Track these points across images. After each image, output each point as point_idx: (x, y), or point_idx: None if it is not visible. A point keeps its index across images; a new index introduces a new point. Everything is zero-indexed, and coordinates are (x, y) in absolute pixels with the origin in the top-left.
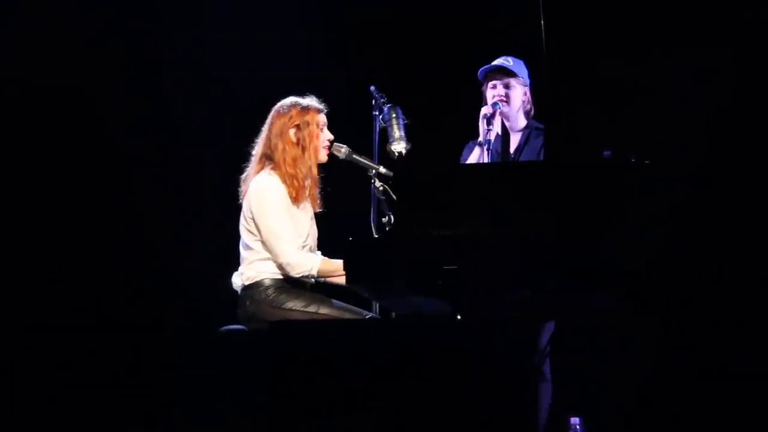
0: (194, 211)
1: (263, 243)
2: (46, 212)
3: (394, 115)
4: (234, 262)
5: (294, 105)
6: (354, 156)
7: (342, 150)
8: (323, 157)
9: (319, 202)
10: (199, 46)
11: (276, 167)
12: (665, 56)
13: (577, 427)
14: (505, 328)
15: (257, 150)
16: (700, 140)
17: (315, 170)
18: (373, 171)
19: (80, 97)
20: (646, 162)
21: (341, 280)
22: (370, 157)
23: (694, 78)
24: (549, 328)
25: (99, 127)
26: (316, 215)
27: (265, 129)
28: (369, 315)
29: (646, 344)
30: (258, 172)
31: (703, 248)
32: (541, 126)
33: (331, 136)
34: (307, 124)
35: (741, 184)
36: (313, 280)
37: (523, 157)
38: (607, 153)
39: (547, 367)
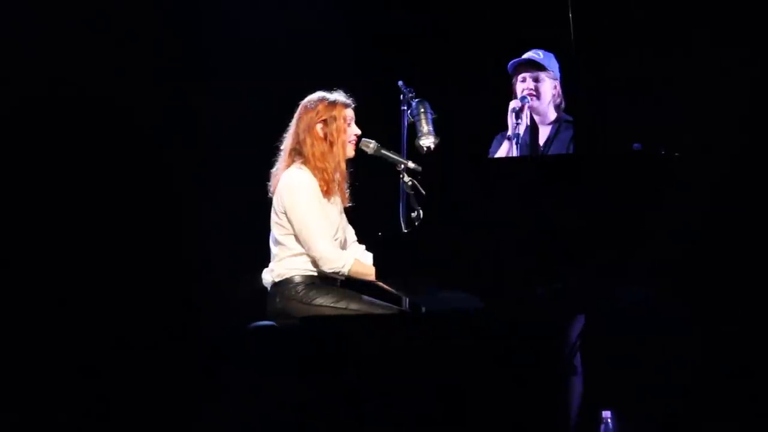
0: (223, 206)
1: (296, 237)
2: (74, 210)
3: (422, 110)
4: (262, 259)
5: (321, 100)
6: (382, 151)
7: (370, 145)
8: (350, 152)
9: (348, 197)
10: (226, 45)
11: (306, 161)
12: (694, 52)
13: (609, 420)
14: (535, 321)
15: (286, 145)
16: (730, 134)
17: (343, 165)
18: (402, 166)
19: (112, 100)
20: (676, 155)
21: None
22: (399, 152)
23: (722, 73)
24: (580, 320)
25: (133, 128)
26: (346, 210)
27: (293, 124)
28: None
29: (678, 337)
30: (288, 166)
31: (736, 242)
32: (571, 119)
33: (359, 131)
34: (334, 119)
35: None
36: (343, 278)
37: (552, 150)
38: (636, 146)
39: (578, 360)
